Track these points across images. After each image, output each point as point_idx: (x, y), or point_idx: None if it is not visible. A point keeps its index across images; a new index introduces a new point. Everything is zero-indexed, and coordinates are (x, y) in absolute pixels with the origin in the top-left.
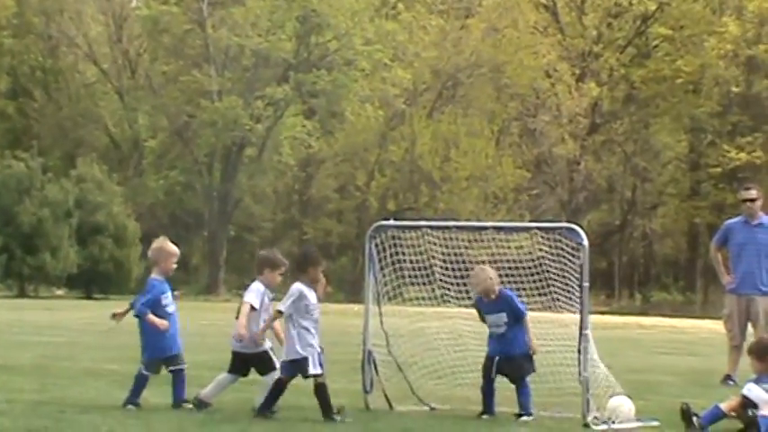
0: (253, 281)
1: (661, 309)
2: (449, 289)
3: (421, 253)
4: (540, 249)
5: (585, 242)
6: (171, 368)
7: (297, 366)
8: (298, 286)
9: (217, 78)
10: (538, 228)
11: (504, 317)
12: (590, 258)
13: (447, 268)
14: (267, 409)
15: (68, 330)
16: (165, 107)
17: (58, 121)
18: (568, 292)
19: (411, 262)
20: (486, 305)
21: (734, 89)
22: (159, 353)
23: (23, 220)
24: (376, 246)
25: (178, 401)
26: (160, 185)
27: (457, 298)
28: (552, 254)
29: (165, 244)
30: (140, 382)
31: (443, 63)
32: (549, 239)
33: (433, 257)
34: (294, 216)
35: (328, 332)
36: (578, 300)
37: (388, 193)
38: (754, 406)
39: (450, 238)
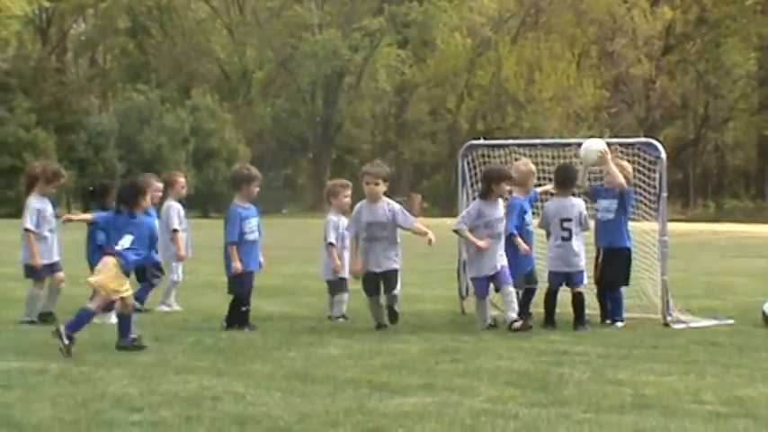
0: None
1: (733, 215)
2: None
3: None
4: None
5: (663, 155)
6: None
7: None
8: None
9: (317, 12)
10: (619, 143)
11: (615, 203)
12: (666, 170)
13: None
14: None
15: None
16: (270, 40)
17: (174, 56)
18: (647, 201)
19: None
20: (601, 191)
21: None
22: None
23: (144, 147)
24: (468, 163)
25: None
26: (267, 112)
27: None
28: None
29: (528, 166)
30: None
31: None
32: (628, 154)
33: None
34: (391, 138)
35: (426, 244)
36: (656, 209)
37: (477, 115)
38: None
39: (536, 155)
